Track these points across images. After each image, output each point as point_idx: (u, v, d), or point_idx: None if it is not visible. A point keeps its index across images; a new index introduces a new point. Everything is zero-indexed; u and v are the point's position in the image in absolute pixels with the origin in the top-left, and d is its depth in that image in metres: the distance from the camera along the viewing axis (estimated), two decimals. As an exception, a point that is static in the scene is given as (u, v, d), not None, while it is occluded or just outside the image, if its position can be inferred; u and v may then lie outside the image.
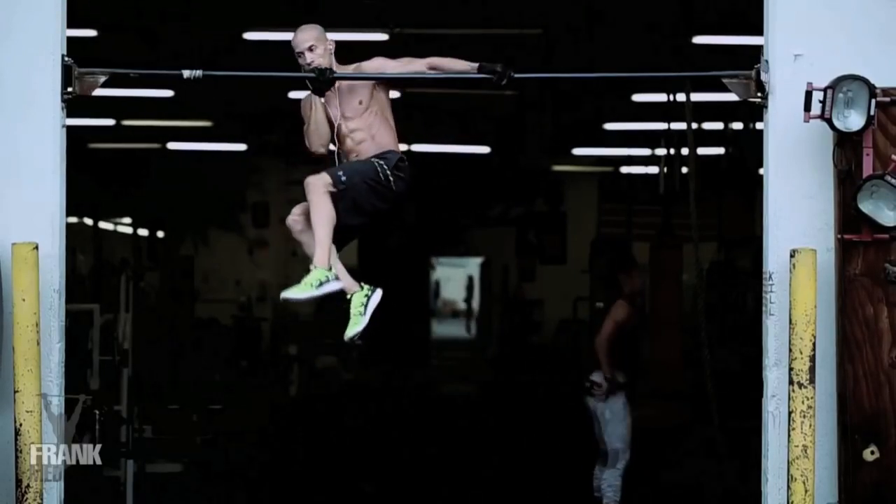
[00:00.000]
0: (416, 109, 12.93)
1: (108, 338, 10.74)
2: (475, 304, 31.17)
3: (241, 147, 18.28)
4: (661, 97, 13.00)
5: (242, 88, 13.46)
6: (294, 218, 6.00)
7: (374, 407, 15.86)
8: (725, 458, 9.96)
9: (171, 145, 17.66)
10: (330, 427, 14.19)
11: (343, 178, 5.84)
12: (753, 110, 7.03)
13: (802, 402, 5.65)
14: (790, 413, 5.68)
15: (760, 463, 6.11)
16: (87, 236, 18.18)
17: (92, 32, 11.14)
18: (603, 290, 11.52)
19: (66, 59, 6.04)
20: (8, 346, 5.76)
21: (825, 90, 5.78)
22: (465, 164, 19.35)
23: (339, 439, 13.68)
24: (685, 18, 11.11)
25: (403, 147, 6.21)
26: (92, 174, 16.01)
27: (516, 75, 6.01)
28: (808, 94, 5.80)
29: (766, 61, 6.07)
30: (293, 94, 12.17)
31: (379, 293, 5.98)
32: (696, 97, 10.68)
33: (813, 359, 5.66)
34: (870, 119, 5.77)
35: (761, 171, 6.39)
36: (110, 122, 15.74)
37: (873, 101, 5.76)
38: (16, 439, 5.66)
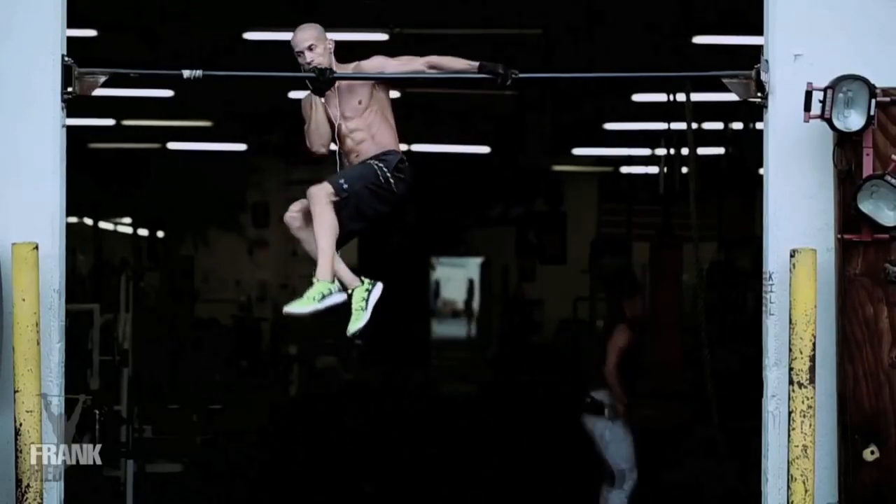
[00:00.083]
0: (416, 109, 12.93)
1: (108, 338, 10.74)
2: (475, 304, 31.15)
3: (241, 147, 18.28)
4: (661, 97, 12.98)
5: (242, 88, 13.45)
6: (292, 214, 5.94)
7: (374, 407, 15.85)
8: (725, 458, 9.95)
9: (171, 145, 17.64)
10: (330, 427, 14.18)
11: (345, 186, 5.79)
12: (753, 110, 7.01)
13: (802, 402, 5.64)
14: (790, 413, 5.67)
15: (760, 463, 6.10)
16: (87, 236, 18.17)
17: (92, 32, 11.13)
18: (606, 314, 11.51)
19: (66, 59, 6.02)
20: (8, 346, 5.75)
21: (825, 90, 5.78)
22: (464, 164, 19.33)
23: (339, 439, 13.68)
24: (685, 18, 11.10)
25: (403, 147, 6.18)
26: (92, 174, 15.99)
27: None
28: (808, 94, 5.79)
29: (766, 61, 6.06)
30: (293, 94, 12.17)
31: (379, 287, 5.93)
32: (696, 97, 10.66)
33: (813, 359, 5.65)
34: (870, 119, 5.76)
35: (761, 171, 6.38)
36: (110, 122, 15.73)
37: (873, 101, 5.75)
38: (16, 439, 5.65)
